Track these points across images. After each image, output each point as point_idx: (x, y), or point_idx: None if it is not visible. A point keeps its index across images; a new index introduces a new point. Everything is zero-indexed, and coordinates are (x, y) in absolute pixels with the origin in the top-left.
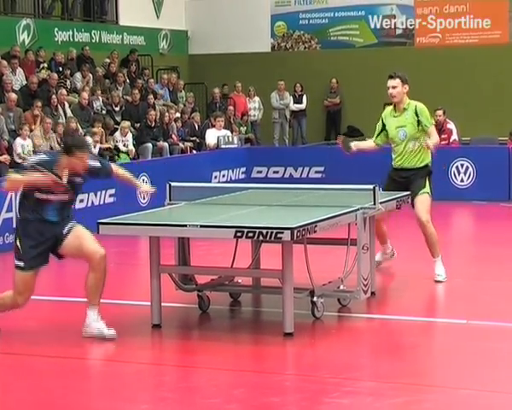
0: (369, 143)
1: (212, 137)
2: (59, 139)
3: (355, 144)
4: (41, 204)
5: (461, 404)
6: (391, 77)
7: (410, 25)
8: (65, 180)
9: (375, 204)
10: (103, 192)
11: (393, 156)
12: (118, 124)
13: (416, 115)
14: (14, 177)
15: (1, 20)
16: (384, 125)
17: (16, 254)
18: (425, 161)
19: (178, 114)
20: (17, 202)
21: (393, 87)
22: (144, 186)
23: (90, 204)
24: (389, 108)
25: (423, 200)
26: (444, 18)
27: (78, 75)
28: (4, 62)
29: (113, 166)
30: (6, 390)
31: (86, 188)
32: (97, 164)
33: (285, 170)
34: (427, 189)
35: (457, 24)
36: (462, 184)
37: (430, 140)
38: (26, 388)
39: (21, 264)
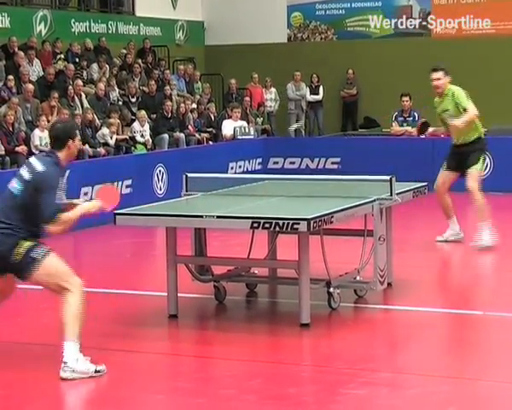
0: (440, 129)
1: (228, 127)
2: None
3: (431, 130)
4: None
5: (477, 395)
6: (434, 70)
7: (427, 14)
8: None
9: (391, 195)
10: (120, 183)
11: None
12: (134, 115)
13: (453, 99)
14: (67, 217)
15: (18, 11)
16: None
17: (34, 250)
18: (474, 136)
19: (195, 105)
20: None
21: (437, 79)
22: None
23: None
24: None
25: (472, 172)
26: (461, 8)
27: (94, 66)
28: (21, 53)
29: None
30: None
31: (102, 179)
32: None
33: (301, 161)
34: (479, 164)
35: (474, 14)
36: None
37: (456, 120)
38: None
39: (44, 247)
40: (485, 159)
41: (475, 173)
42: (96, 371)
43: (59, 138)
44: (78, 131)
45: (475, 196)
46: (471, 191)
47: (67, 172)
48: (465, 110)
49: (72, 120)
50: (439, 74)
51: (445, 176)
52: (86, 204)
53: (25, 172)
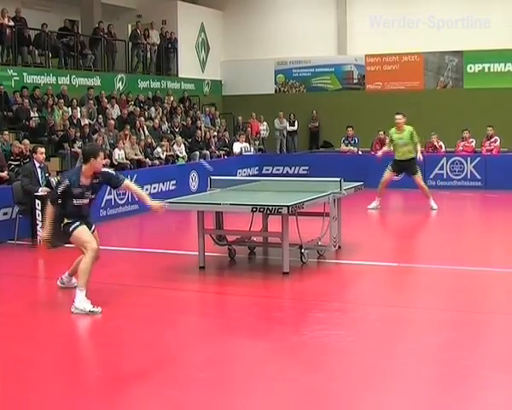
0: (386, 148)
1: (237, 147)
2: (140, 149)
3: (382, 150)
4: (77, 207)
5: (392, 315)
6: (397, 113)
7: (362, 76)
8: (88, 182)
9: (341, 190)
10: (168, 182)
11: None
12: None
13: (410, 135)
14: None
15: (105, 74)
16: (392, 139)
17: (67, 227)
18: (411, 155)
19: (215, 133)
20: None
21: (400, 119)
22: (154, 203)
23: (159, 190)
24: (393, 130)
25: (417, 177)
26: (384, 72)
27: (152, 109)
28: (106, 101)
29: (126, 182)
30: None
31: (158, 180)
32: (111, 172)
33: (283, 168)
34: (419, 172)
35: (392, 76)
36: None
37: (419, 155)
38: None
39: (76, 223)
40: (419, 169)
41: (419, 177)
42: (90, 311)
43: (84, 156)
44: (101, 152)
45: (424, 188)
46: (421, 186)
47: (135, 175)
48: (415, 143)
49: (96, 144)
50: (401, 116)
51: (388, 174)
52: None
53: (90, 190)
